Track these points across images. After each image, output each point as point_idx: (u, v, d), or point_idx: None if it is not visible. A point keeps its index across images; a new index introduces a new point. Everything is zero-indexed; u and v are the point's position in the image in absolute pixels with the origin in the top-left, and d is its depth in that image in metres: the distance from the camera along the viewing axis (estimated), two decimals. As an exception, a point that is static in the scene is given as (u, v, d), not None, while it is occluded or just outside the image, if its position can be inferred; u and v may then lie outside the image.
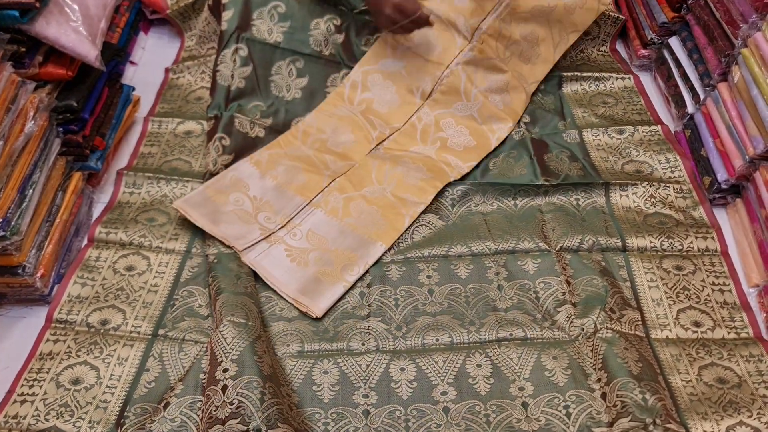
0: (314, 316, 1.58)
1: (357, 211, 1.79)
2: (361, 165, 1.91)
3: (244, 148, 1.97)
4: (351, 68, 2.11)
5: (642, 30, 2.31)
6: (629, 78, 2.28)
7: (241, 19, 2.09)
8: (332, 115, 2.03)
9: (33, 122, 1.57)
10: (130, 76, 2.32)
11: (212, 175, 1.89)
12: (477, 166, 1.94)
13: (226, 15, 2.09)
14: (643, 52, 2.30)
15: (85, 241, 1.77)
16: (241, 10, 2.09)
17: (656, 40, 2.25)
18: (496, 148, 1.99)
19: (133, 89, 2.11)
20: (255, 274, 1.66)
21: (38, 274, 1.59)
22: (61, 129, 1.74)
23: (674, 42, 2.17)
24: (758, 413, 1.38)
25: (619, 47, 2.44)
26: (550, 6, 2.08)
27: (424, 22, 1.83)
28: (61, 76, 1.71)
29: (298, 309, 1.60)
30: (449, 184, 1.86)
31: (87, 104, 1.79)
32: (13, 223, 1.51)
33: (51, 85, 1.71)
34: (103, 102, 1.91)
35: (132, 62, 2.36)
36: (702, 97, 1.97)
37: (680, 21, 2.16)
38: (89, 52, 1.72)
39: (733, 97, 1.81)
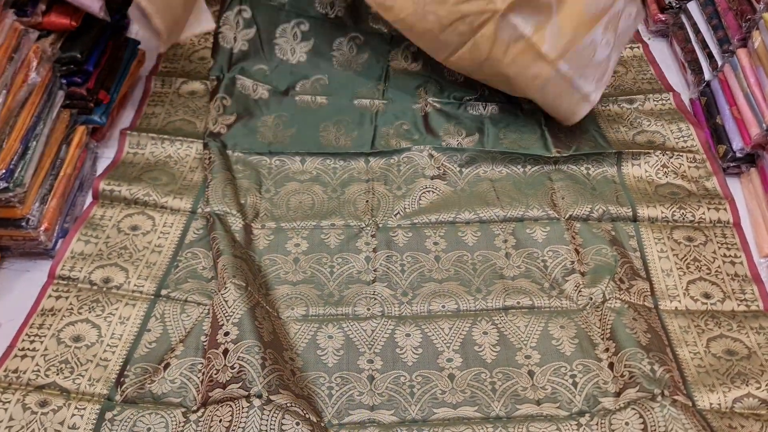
0: None
1: None
2: None
3: (246, 109, 1.94)
4: (358, 32, 2.06)
5: (660, -6, 2.26)
6: (638, 47, 2.24)
7: None
8: None
9: (36, 73, 1.54)
10: (135, 30, 2.25)
11: (212, 134, 1.86)
12: (487, 134, 1.91)
13: None
14: (660, 16, 2.25)
15: (90, 198, 1.75)
16: None
17: (674, 4, 2.20)
18: (505, 118, 1.96)
19: (139, 43, 2.07)
20: (247, 242, 1.64)
21: (42, 228, 1.58)
22: (64, 81, 1.71)
23: (692, 6, 2.12)
24: (767, 384, 1.36)
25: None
26: None
27: None
28: (64, 26, 1.67)
29: None
30: (457, 149, 1.83)
31: (91, 56, 1.76)
32: (16, 174, 1.49)
33: (54, 35, 1.67)
34: (108, 55, 1.87)
35: (137, 16, 2.31)
36: (719, 63, 1.93)
37: (700, -16, 2.10)
38: (93, 2, 1.68)
39: (752, 63, 1.77)
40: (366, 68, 2.06)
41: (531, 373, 1.40)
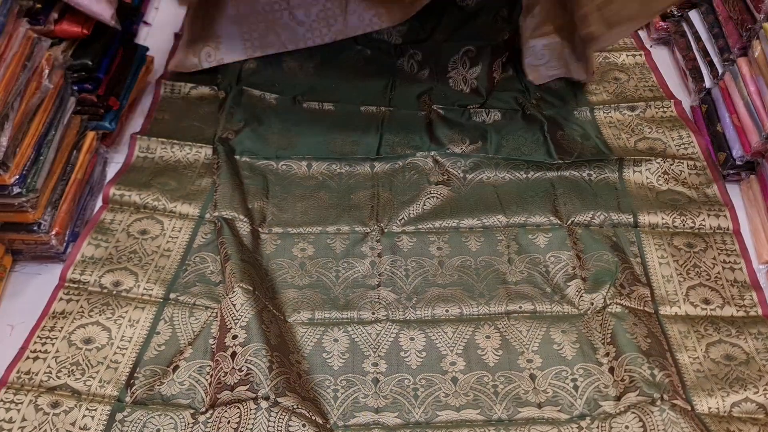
0: None
1: None
2: None
3: (254, 116, 1.97)
4: (365, 44, 2.09)
5: (662, 2, 2.28)
6: (640, 54, 2.26)
7: None
8: None
9: (48, 80, 1.57)
10: (144, 36, 2.31)
11: (221, 139, 1.89)
12: (490, 142, 1.93)
13: None
14: (662, 24, 2.27)
15: (100, 202, 1.77)
16: None
17: (676, 12, 2.22)
18: (507, 125, 1.98)
19: (147, 50, 2.10)
20: (255, 246, 1.67)
21: (53, 232, 1.60)
22: (75, 88, 1.73)
23: (694, 15, 2.14)
24: (764, 389, 1.39)
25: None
26: None
27: None
28: (76, 34, 1.70)
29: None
30: (461, 155, 1.86)
31: (102, 63, 1.79)
32: (29, 180, 1.51)
33: (66, 43, 1.70)
34: (118, 62, 1.90)
35: (146, 22, 2.34)
36: (720, 71, 1.95)
37: (701, -7, 2.12)
38: (105, 10, 1.71)
39: (752, 72, 1.79)
40: (373, 79, 2.08)
41: (533, 377, 1.42)
